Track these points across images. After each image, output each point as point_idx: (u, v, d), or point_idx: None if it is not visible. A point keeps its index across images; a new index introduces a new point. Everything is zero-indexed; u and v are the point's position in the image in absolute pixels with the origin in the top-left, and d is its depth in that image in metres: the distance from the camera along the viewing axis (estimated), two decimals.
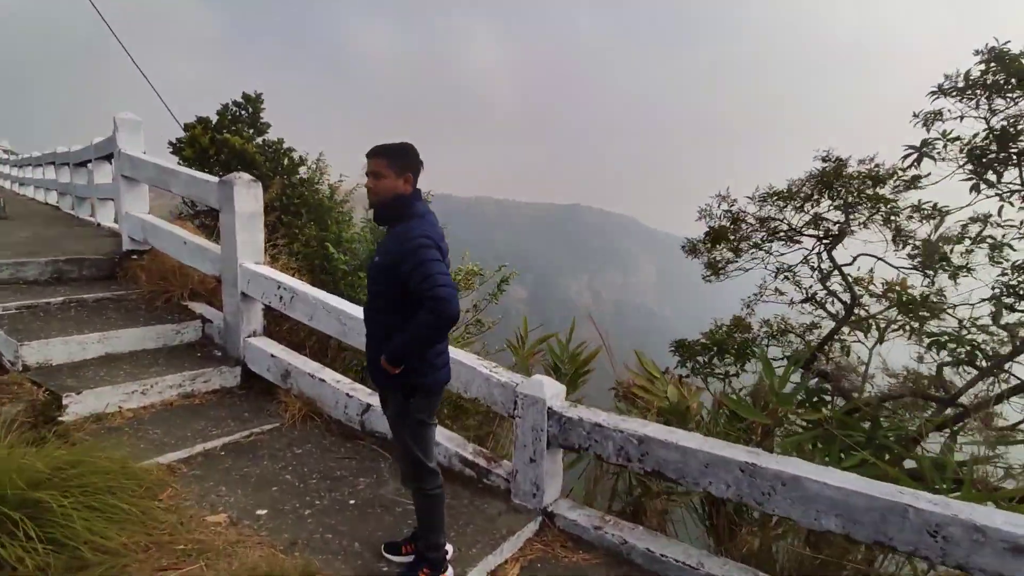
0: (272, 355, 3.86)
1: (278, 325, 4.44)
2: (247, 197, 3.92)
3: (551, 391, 2.79)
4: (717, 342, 5.48)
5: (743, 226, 5.56)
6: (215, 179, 4.09)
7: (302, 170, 5.56)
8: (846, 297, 5.29)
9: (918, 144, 4.20)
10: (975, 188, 4.19)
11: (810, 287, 5.77)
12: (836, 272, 5.31)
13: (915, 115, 4.31)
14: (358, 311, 3.46)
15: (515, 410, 2.84)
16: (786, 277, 5.84)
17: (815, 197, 4.98)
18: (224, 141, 9.10)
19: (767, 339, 6.06)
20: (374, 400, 3.48)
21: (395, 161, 2.10)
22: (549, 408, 2.74)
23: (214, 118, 9.96)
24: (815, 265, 5.56)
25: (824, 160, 5.06)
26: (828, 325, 5.65)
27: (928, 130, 4.17)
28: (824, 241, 5.31)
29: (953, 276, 4.33)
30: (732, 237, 5.60)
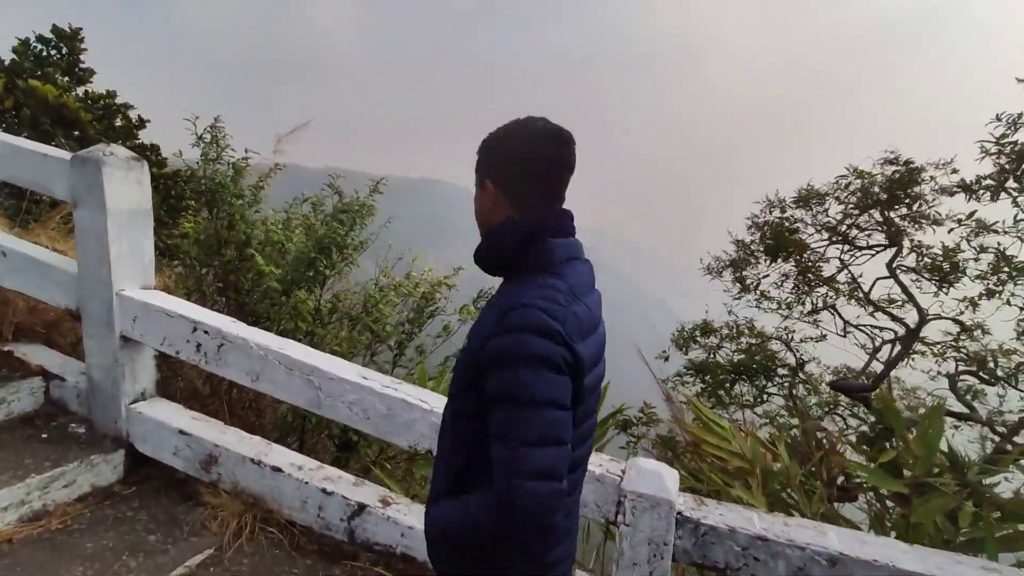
0: (182, 431, 2.55)
1: (173, 374, 3.05)
2: (126, 184, 2.51)
3: (673, 484, 2.00)
4: (737, 366, 5.06)
5: (797, 235, 5.15)
6: (64, 154, 2.58)
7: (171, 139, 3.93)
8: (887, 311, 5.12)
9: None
10: (995, 196, 4.18)
11: (853, 301, 5.52)
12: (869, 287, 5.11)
13: (998, 117, 4.16)
14: (343, 368, 2.33)
15: (618, 515, 2.00)
16: (804, 288, 5.52)
17: (879, 204, 4.70)
18: (31, 90, 6.77)
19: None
20: (367, 495, 2.39)
21: (480, 160, 1.21)
22: (679, 514, 1.94)
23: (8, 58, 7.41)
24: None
25: (891, 163, 4.80)
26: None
27: (1015, 133, 4.04)
28: (871, 251, 5.10)
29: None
30: (793, 249, 5.14)
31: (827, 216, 5.07)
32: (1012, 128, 3.95)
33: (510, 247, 1.13)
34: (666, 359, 5.99)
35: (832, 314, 5.41)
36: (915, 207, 4.56)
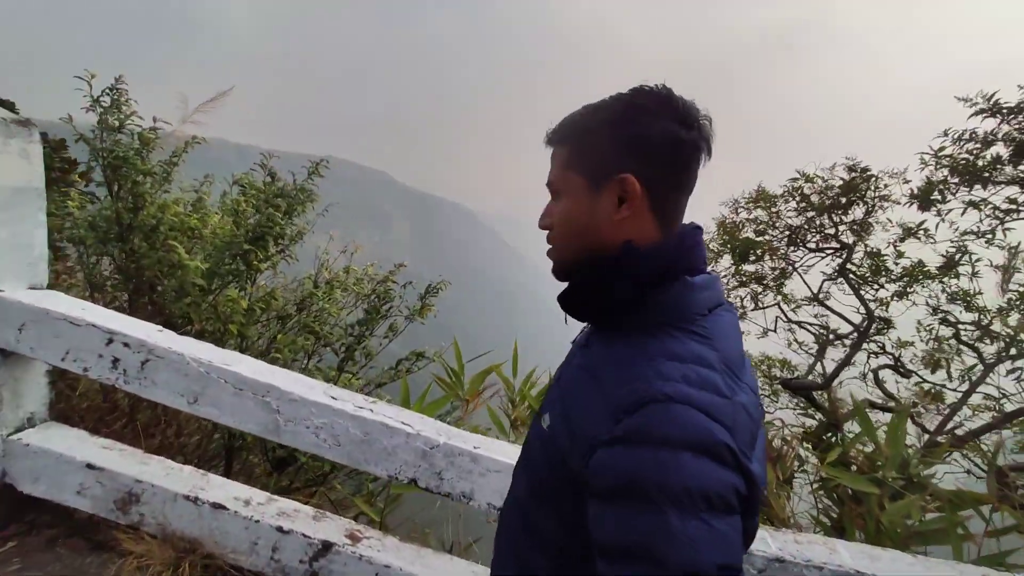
0: (90, 465, 2.07)
1: (70, 389, 2.50)
2: (6, 155, 1.98)
3: None
4: None
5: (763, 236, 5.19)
6: None
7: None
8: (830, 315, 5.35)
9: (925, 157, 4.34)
10: (923, 207, 4.49)
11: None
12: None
13: (945, 133, 4.39)
14: (306, 387, 1.98)
15: None
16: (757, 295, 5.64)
17: (836, 208, 4.83)
18: None
19: None
20: (331, 531, 2.07)
21: (587, 149, 0.82)
22: None
23: None
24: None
25: (851, 170, 4.95)
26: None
27: (960, 149, 4.29)
28: (821, 253, 5.28)
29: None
30: (760, 252, 5.16)
31: (779, 219, 5.30)
32: (958, 144, 4.29)
33: (636, 289, 0.75)
34: None
35: (761, 312, 5.71)
36: (868, 213, 4.87)
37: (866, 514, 2.52)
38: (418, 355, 3.26)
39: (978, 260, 4.52)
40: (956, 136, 4.24)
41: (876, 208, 4.78)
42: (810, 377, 5.02)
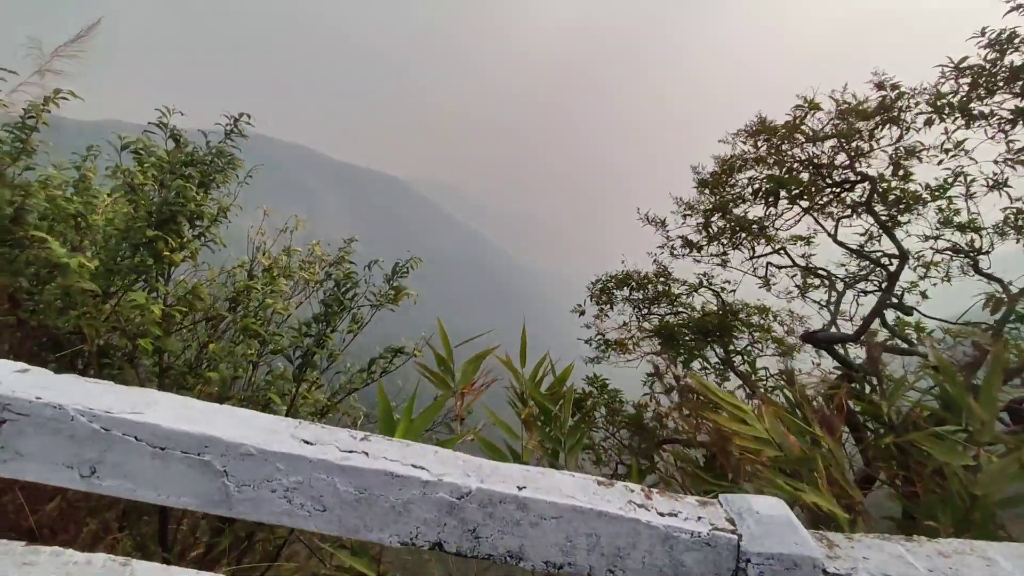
0: None
1: None
2: None
3: (803, 529, 1.46)
4: (702, 324, 4.61)
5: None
6: None
7: None
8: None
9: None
10: (968, 122, 4.12)
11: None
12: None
13: (982, 32, 3.93)
14: (264, 431, 1.37)
15: None
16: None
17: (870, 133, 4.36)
18: None
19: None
20: None
21: None
22: (824, 571, 1.41)
23: None
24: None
25: (879, 87, 4.47)
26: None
27: (994, 52, 3.85)
28: (838, 188, 4.83)
29: None
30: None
31: (782, 153, 4.87)
32: (996, 49, 3.92)
33: None
34: (581, 313, 5.58)
35: (747, 254, 5.38)
36: (900, 138, 4.52)
37: (950, 488, 2.18)
38: (395, 351, 2.65)
39: (972, 181, 4.32)
40: (993, 37, 3.87)
41: (909, 130, 4.44)
42: (832, 329, 4.76)
